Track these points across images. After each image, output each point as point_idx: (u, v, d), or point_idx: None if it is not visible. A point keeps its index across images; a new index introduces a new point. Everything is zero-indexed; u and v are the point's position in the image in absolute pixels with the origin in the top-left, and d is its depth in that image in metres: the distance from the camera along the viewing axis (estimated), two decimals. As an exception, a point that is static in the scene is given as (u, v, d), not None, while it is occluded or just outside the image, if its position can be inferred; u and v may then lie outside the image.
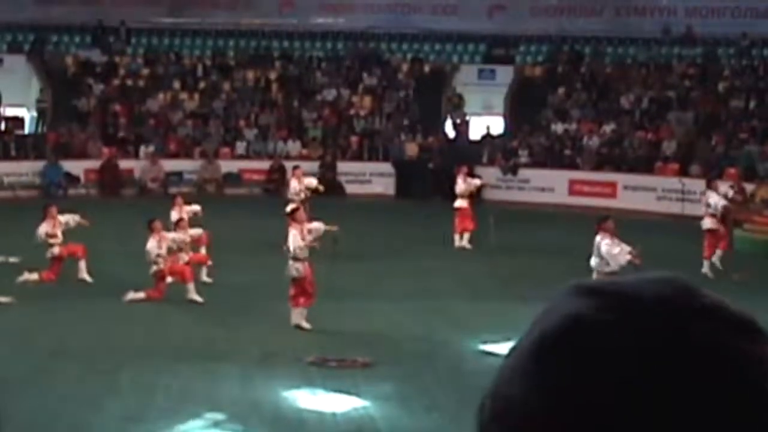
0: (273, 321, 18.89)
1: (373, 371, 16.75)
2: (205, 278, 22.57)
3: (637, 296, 1.15)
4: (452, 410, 14.96)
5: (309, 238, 19.36)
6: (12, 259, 24.67)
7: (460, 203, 28.11)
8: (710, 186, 26.80)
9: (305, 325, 18.80)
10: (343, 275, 22.95)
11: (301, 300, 19.04)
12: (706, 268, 24.17)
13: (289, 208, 20.74)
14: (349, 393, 15.71)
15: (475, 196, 29.36)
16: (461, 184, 28.32)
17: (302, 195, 26.91)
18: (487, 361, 16.71)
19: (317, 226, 19.95)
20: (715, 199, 25.77)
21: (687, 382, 1.10)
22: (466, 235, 27.74)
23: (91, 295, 18.76)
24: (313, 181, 27.92)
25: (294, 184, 27.45)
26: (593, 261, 18.56)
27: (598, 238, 18.54)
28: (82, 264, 22.76)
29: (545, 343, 1.15)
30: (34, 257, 24.95)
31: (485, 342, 17.93)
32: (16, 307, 20.59)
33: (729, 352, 1.12)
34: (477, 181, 29.40)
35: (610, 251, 18.13)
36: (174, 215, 23.25)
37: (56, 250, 22.39)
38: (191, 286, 20.85)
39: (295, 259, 19.10)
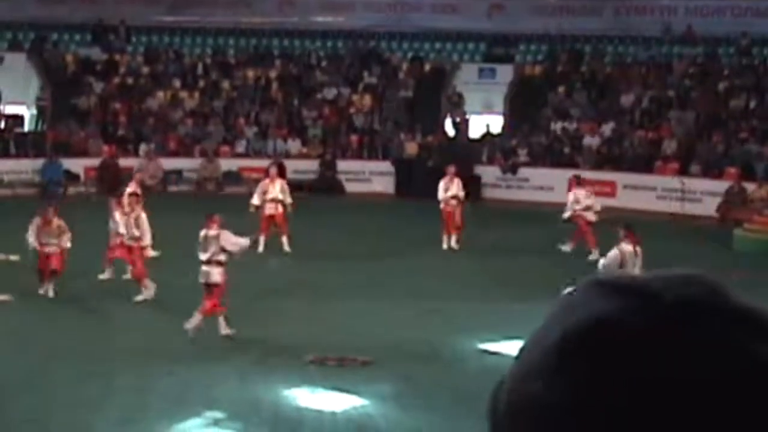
0: (272, 320, 18.87)
1: (372, 371, 16.75)
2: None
3: (662, 296, 1.14)
4: (450, 410, 14.96)
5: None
6: (12, 258, 24.67)
7: (451, 204, 27.79)
8: (579, 184, 28.34)
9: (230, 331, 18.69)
10: (342, 274, 22.95)
11: (220, 308, 18.77)
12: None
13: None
14: (348, 392, 15.71)
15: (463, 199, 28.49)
16: (453, 188, 27.97)
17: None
18: (485, 361, 16.72)
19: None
20: (582, 196, 27.32)
21: (710, 387, 1.09)
22: (454, 236, 27.54)
23: (89, 295, 18.75)
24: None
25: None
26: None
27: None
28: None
29: (568, 343, 1.14)
30: (35, 255, 25.00)
31: (484, 341, 17.94)
32: (14, 305, 20.59)
33: (756, 357, 1.11)
34: (461, 193, 28.18)
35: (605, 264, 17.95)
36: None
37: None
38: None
39: (220, 263, 18.91)
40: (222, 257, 18.83)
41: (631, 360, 1.10)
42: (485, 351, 17.72)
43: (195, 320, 18.35)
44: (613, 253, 17.52)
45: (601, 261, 17.58)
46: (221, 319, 18.57)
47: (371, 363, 17.03)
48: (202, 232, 18.91)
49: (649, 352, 1.10)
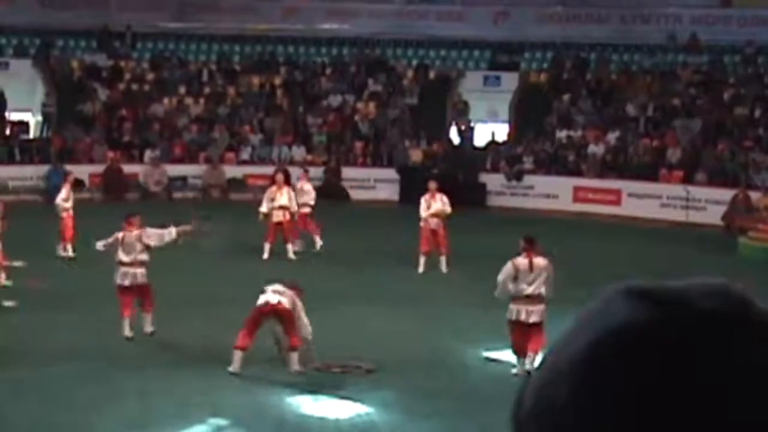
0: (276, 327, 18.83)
1: (376, 378, 16.74)
2: None
3: (691, 307, 1.14)
4: (454, 417, 14.96)
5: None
6: (16, 264, 24.70)
7: (432, 222, 25.73)
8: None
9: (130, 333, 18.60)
10: (346, 281, 22.96)
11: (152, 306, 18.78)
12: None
13: None
14: (351, 399, 15.71)
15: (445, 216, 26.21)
16: (434, 205, 25.84)
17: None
18: (489, 369, 16.72)
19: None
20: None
21: (738, 400, 1.09)
22: (443, 258, 25.63)
23: (93, 299, 18.77)
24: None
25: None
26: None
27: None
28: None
29: (597, 350, 1.14)
30: (39, 261, 25.03)
31: (488, 349, 17.93)
32: (20, 310, 20.62)
33: None
34: (448, 209, 25.94)
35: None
36: None
37: None
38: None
39: (143, 264, 18.82)
40: (145, 256, 18.80)
41: (659, 369, 1.11)
42: (489, 358, 17.71)
43: (148, 322, 18.60)
44: (507, 266, 16.93)
45: (499, 276, 16.95)
46: (150, 317, 18.69)
47: (375, 371, 17.01)
48: (121, 234, 18.89)
49: (677, 363, 1.11)
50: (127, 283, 18.58)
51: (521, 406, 1.19)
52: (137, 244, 18.70)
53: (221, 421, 14.66)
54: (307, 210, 28.21)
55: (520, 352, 16.57)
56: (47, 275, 23.55)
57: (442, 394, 16.06)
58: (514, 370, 16.55)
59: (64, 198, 27.05)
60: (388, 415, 15.24)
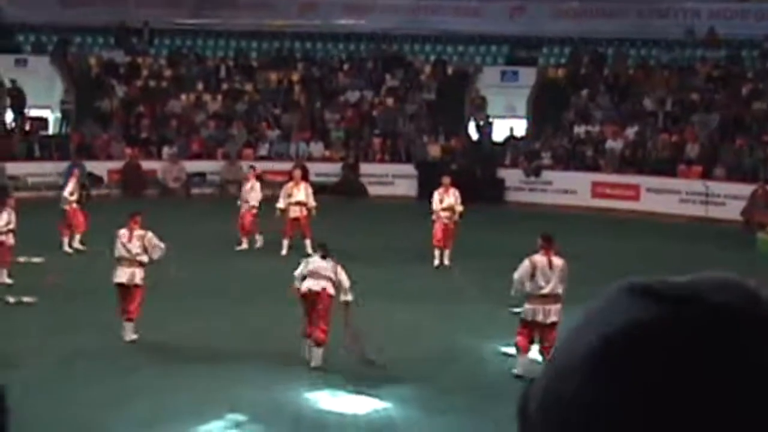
0: (294, 322, 18.84)
1: (393, 373, 16.74)
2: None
3: (699, 302, 1.13)
4: (471, 412, 14.95)
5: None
6: (35, 260, 24.79)
7: (444, 216, 26.14)
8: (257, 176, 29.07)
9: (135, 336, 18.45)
10: (364, 276, 22.93)
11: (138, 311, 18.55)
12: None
13: None
14: (368, 395, 15.71)
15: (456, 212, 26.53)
16: (447, 199, 26.31)
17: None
18: (506, 363, 16.69)
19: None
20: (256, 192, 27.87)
21: (748, 394, 1.08)
22: (447, 252, 26.09)
23: (107, 296, 18.79)
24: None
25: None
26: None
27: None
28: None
29: (605, 347, 1.13)
30: (58, 258, 25.12)
31: (505, 345, 17.89)
32: (38, 307, 20.68)
33: None
34: (459, 207, 26.29)
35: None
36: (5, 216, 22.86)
37: None
38: None
39: (142, 264, 18.69)
40: (145, 258, 18.73)
41: (666, 367, 1.10)
42: (505, 354, 17.69)
43: (128, 330, 18.32)
44: (524, 264, 16.84)
45: (515, 273, 16.89)
46: (132, 325, 18.41)
47: (374, 364, 17.01)
48: (123, 231, 18.80)
49: (684, 360, 1.10)
50: (124, 280, 18.54)
51: (528, 402, 1.19)
52: (138, 243, 18.67)
53: (238, 417, 14.67)
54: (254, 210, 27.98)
55: (525, 351, 16.46)
56: (64, 271, 23.62)
57: (458, 390, 16.06)
58: (517, 371, 16.35)
59: (70, 192, 27.29)
60: (405, 410, 15.24)
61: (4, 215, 22.63)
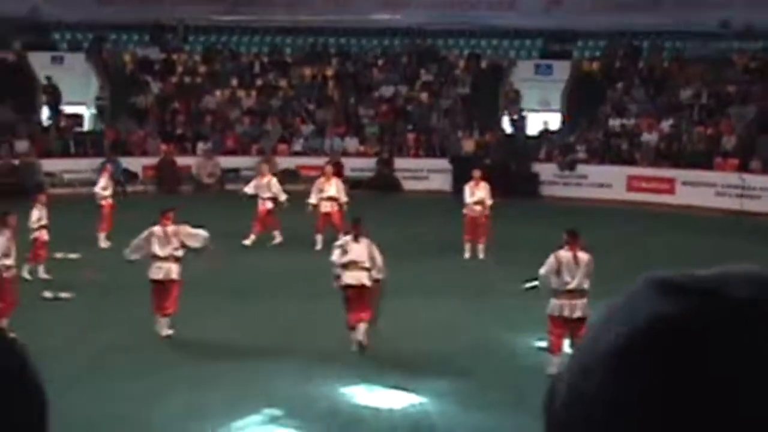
0: (328, 318, 18.88)
1: (429, 367, 16.74)
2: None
3: (725, 296, 1.11)
4: (507, 406, 14.93)
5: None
6: (72, 256, 24.93)
7: (475, 210, 26.35)
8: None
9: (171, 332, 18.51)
10: (399, 271, 22.93)
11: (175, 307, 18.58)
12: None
13: None
14: (404, 389, 15.71)
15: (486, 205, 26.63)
16: (478, 192, 26.43)
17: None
18: (542, 358, 16.64)
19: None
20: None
21: None
22: (481, 246, 26.13)
23: (143, 291, 18.87)
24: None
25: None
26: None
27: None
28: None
29: (629, 343, 1.12)
30: (94, 254, 25.25)
31: (540, 339, 17.84)
32: (75, 302, 20.81)
33: None
34: (489, 201, 26.42)
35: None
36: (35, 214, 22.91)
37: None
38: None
39: (178, 260, 18.72)
40: (180, 253, 18.76)
41: (693, 362, 1.08)
42: (541, 348, 17.63)
43: (164, 325, 18.42)
44: (549, 260, 16.78)
45: (541, 269, 16.84)
46: (168, 320, 18.49)
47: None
48: (157, 228, 18.85)
49: (712, 355, 1.08)
50: (160, 276, 18.62)
51: (553, 398, 1.18)
52: (173, 239, 18.72)
53: (275, 411, 14.70)
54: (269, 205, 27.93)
55: (557, 350, 16.38)
56: (100, 267, 23.74)
57: (495, 385, 16.03)
58: (550, 370, 16.25)
59: (102, 187, 27.43)
60: (442, 405, 15.23)
61: (35, 212, 22.74)
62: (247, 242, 27.02)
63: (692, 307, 1.11)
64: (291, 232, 27.69)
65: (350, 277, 17.55)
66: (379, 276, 17.74)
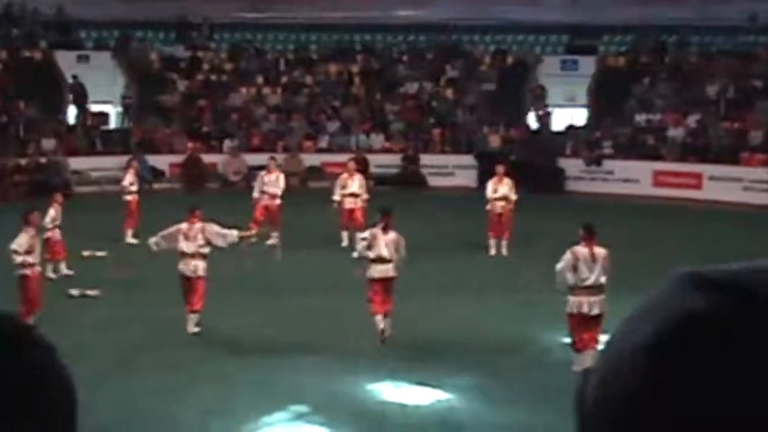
0: (353, 315, 18.89)
1: (455, 363, 16.74)
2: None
3: (757, 293, 1.09)
4: (534, 403, 14.90)
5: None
6: (99, 254, 25.03)
7: (498, 206, 26.29)
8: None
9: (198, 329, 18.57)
10: (425, 267, 22.93)
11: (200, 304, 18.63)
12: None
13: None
14: (431, 385, 15.71)
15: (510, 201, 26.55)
16: (501, 189, 26.35)
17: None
18: (570, 355, 16.60)
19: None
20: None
21: None
22: (505, 242, 26.17)
23: (174, 289, 18.92)
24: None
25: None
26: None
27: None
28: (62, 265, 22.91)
29: (660, 340, 1.10)
30: (121, 251, 25.33)
31: (567, 335, 17.81)
32: (103, 300, 20.89)
33: None
34: (513, 196, 26.38)
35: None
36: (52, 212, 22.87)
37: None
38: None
39: (204, 257, 18.77)
40: (206, 250, 18.84)
41: (724, 359, 1.06)
42: (568, 343, 17.60)
43: (192, 321, 18.48)
44: (566, 255, 16.74)
45: (558, 265, 16.80)
46: (196, 317, 18.55)
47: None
48: (184, 226, 18.94)
49: (743, 352, 1.06)
50: (188, 273, 18.69)
51: (584, 396, 1.17)
52: (199, 236, 18.81)
53: (301, 408, 14.72)
54: (277, 201, 27.81)
55: (582, 347, 16.33)
56: (127, 264, 23.82)
57: (521, 381, 16.02)
58: (575, 368, 16.19)
59: (129, 182, 27.55)
60: (469, 401, 15.22)
61: (51, 211, 22.78)
62: (271, 242, 26.78)
63: (724, 303, 1.10)
64: (316, 228, 27.72)
65: (377, 271, 17.94)
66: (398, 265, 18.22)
